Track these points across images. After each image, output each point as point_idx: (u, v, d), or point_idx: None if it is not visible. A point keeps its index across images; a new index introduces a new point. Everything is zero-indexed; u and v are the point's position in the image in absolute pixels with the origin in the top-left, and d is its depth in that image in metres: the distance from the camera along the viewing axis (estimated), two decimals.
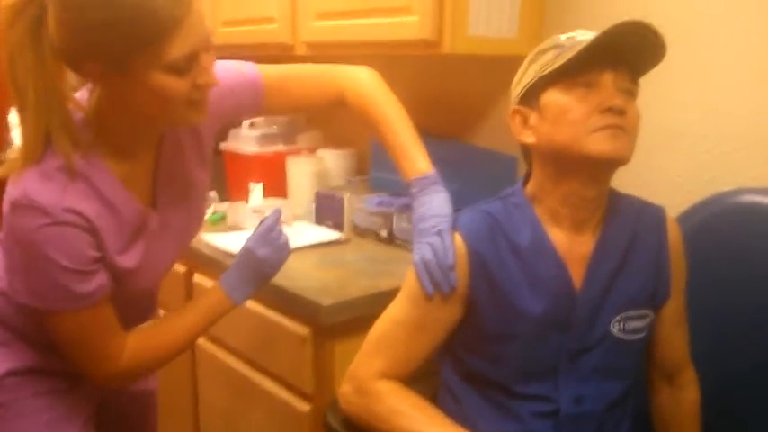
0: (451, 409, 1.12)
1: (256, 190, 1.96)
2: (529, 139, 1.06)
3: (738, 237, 1.32)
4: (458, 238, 1.07)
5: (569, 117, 0.99)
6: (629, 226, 1.10)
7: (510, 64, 1.82)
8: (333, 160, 2.15)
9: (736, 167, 1.41)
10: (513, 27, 1.62)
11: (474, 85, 1.89)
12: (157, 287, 1.30)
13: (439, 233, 1.07)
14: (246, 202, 1.96)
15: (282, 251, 1.26)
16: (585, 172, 1.02)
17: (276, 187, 2.10)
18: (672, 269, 1.13)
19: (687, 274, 1.17)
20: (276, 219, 1.26)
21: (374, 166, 1.99)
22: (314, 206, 1.97)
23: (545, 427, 1.07)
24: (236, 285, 1.23)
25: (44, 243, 0.97)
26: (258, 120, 2.20)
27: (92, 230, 1.01)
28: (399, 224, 1.74)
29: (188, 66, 0.96)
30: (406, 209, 1.77)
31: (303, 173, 2.10)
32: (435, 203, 1.12)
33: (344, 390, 1.13)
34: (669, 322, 1.16)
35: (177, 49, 0.93)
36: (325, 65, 1.31)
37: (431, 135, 1.88)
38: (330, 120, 2.29)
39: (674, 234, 1.14)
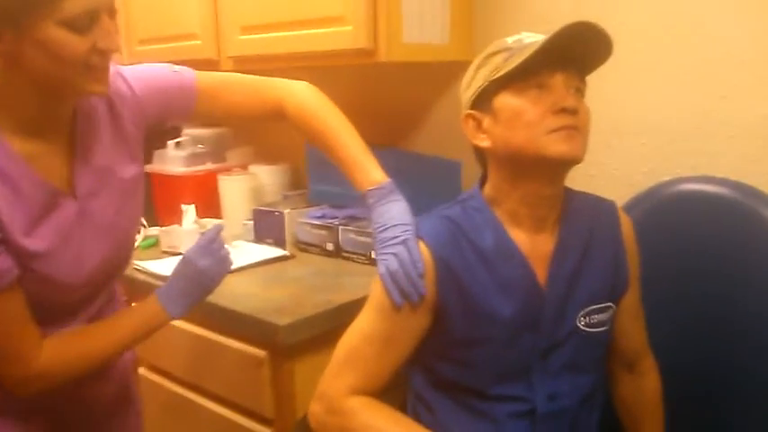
0: (425, 419, 1.11)
1: (189, 211, 1.90)
2: (484, 143, 1.06)
3: (680, 225, 1.37)
4: (422, 246, 1.06)
5: (524, 119, 1.00)
6: (585, 222, 1.12)
7: (443, 70, 1.87)
8: (266, 176, 2.11)
9: (672, 158, 1.47)
10: (445, 34, 1.63)
11: (409, 93, 1.89)
12: (94, 295, 1.19)
13: (404, 242, 1.06)
14: (180, 224, 1.89)
15: (224, 263, 1.21)
16: (542, 172, 1.03)
17: (209, 207, 2.04)
18: (628, 261, 1.16)
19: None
20: (217, 232, 1.22)
21: (312, 179, 1.96)
22: (251, 224, 1.93)
23: (521, 427, 1.07)
24: (174, 298, 1.17)
25: None
26: (184, 139, 2.13)
27: None
28: (346, 236, 1.71)
29: (88, 24, 0.92)
30: (352, 220, 1.76)
31: (237, 191, 2.05)
32: (395, 212, 1.11)
33: (315, 410, 1.10)
34: (627, 312, 1.19)
35: (77, 3, 0.90)
36: (263, 78, 1.27)
37: (370, 145, 1.88)
38: (260, 134, 2.24)
39: (626, 227, 1.17)
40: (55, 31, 0.90)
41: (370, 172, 1.16)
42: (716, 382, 1.30)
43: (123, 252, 1.17)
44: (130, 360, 1.33)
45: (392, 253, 1.06)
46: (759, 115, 1.36)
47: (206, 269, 1.18)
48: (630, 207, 1.38)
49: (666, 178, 1.43)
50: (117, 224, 1.14)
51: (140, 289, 1.65)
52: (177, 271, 1.19)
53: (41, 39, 0.90)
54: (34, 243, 1.01)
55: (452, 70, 1.75)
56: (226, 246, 1.23)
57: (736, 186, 1.33)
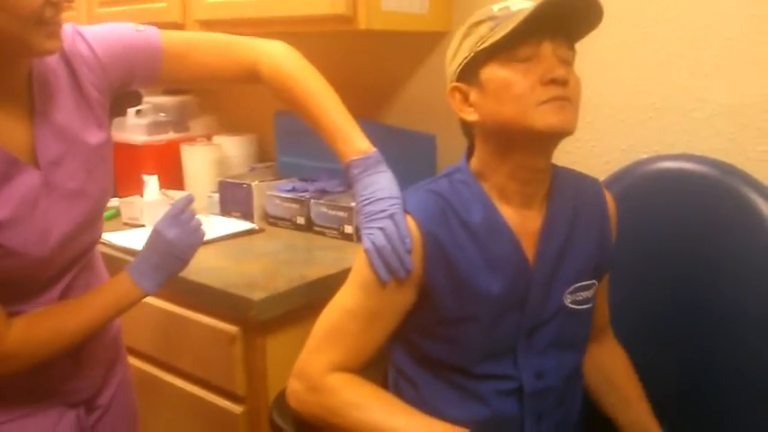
0: (409, 396, 1.08)
1: (151, 182, 1.82)
2: (471, 116, 1.02)
3: (658, 203, 1.36)
4: (409, 221, 1.02)
5: (513, 92, 0.96)
6: (570, 198, 1.10)
7: (420, 41, 1.82)
8: (232, 147, 2.04)
9: (652, 135, 1.46)
10: (424, 3, 1.58)
11: (385, 64, 1.84)
12: (66, 269, 1.12)
13: (391, 216, 1.02)
14: (141, 196, 1.82)
15: (195, 233, 1.15)
16: (532, 146, 1.00)
17: (171, 178, 1.97)
18: (612, 238, 1.15)
19: None
20: (187, 202, 1.15)
21: (280, 150, 1.90)
22: (217, 197, 1.87)
23: (509, 405, 1.06)
24: (146, 273, 1.11)
25: None
26: (145, 107, 2.04)
27: None
28: (318, 209, 1.67)
29: None
30: (323, 194, 1.71)
31: (200, 161, 1.99)
32: (383, 184, 1.06)
33: (295, 387, 1.06)
34: (601, 288, 1.18)
35: None
36: (236, 36, 1.20)
37: None
38: (225, 103, 2.17)
39: (610, 203, 1.16)
40: None
41: (354, 141, 1.11)
42: (694, 366, 1.30)
43: (93, 222, 1.10)
44: (118, 328, 1.28)
45: (379, 227, 1.02)
46: (741, 93, 1.35)
47: (176, 241, 1.12)
48: (608, 184, 1.37)
49: (645, 156, 1.42)
50: (85, 193, 1.07)
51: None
52: (147, 245, 1.13)
53: None
54: (17, 238, 0.94)
55: (430, 41, 1.71)
56: (198, 216, 1.17)
57: (716, 165, 1.33)
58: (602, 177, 1.39)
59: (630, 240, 1.21)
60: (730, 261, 1.28)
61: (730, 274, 1.28)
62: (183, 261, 1.15)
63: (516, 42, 0.96)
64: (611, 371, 1.24)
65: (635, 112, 1.48)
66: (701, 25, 1.37)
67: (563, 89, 0.97)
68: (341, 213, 1.63)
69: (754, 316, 1.24)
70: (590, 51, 1.03)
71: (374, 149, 1.10)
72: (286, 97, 1.17)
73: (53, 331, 1.04)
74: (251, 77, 1.18)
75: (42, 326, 1.03)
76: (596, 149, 1.53)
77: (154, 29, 1.13)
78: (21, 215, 0.97)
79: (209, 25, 1.74)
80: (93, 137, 1.06)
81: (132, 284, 1.10)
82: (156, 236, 1.12)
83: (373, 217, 1.03)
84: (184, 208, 1.14)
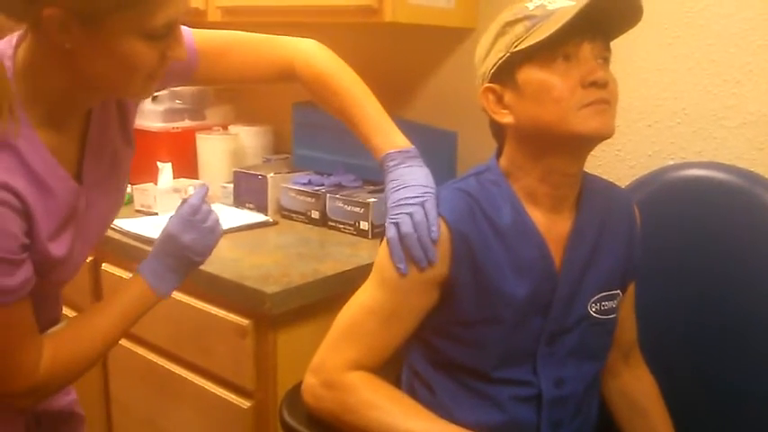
0: (425, 399, 1.06)
1: (165, 170, 1.80)
2: (506, 118, 0.99)
3: (684, 211, 1.33)
4: (439, 220, 0.99)
5: (553, 95, 0.93)
6: (600, 206, 1.07)
7: (445, 37, 1.79)
8: (248, 137, 2.01)
9: (678, 142, 1.43)
10: None
11: (408, 59, 1.81)
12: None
13: (422, 204, 0.98)
14: (155, 183, 1.80)
15: (211, 235, 1.09)
16: (570, 149, 0.97)
17: (186, 167, 1.94)
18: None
19: None
20: (201, 197, 1.09)
21: (297, 143, 1.87)
22: (231, 187, 1.84)
23: (527, 412, 1.03)
24: (163, 276, 1.06)
25: None
26: (162, 93, 2.02)
27: (24, 212, 0.84)
28: (333, 204, 1.64)
29: (165, 34, 0.83)
30: (339, 188, 1.69)
31: (216, 151, 1.96)
32: (419, 175, 1.02)
33: (310, 382, 1.04)
34: (628, 301, 1.16)
35: (163, 14, 0.81)
36: (267, 35, 1.16)
37: None
38: (242, 93, 2.14)
39: (638, 216, 1.13)
40: (131, 40, 0.81)
41: (391, 135, 1.07)
42: (719, 373, 1.27)
43: (103, 236, 1.09)
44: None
45: (407, 213, 0.98)
46: None
47: (193, 244, 1.07)
48: (633, 190, 1.34)
49: (671, 162, 1.39)
50: (111, 212, 1.06)
51: (112, 248, 1.56)
52: (160, 247, 1.07)
53: (115, 44, 0.81)
54: (57, 248, 0.91)
55: (455, 38, 1.68)
56: (212, 209, 1.11)
57: (744, 174, 1.29)
58: (626, 182, 1.37)
59: (652, 248, 1.18)
60: (756, 273, 1.25)
61: (755, 287, 1.25)
62: (199, 263, 1.10)
63: (554, 43, 0.93)
64: (640, 399, 1.20)
65: (663, 118, 1.45)
66: (733, 31, 1.34)
67: (603, 91, 0.94)
68: (357, 209, 1.61)
69: None
70: (619, 54, 1.00)
71: (413, 147, 1.07)
72: (320, 93, 1.13)
73: (78, 351, 0.99)
74: (286, 77, 1.15)
75: (68, 348, 0.98)
76: (621, 153, 1.50)
77: (187, 29, 1.10)
78: (72, 244, 0.94)
79: (231, 12, 1.71)
80: (125, 154, 1.05)
81: (149, 289, 1.05)
82: (169, 239, 1.07)
83: (402, 202, 0.99)
84: (198, 207, 1.08)
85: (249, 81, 1.18)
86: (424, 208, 0.98)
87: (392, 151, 1.05)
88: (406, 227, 0.97)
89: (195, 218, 1.07)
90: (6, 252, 0.83)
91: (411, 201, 0.99)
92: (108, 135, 1.00)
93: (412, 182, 1.01)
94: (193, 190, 1.14)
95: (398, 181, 1.02)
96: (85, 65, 0.84)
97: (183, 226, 1.07)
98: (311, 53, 1.14)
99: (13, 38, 0.87)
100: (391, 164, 1.04)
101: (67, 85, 0.87)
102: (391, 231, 0.98)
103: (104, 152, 0.99)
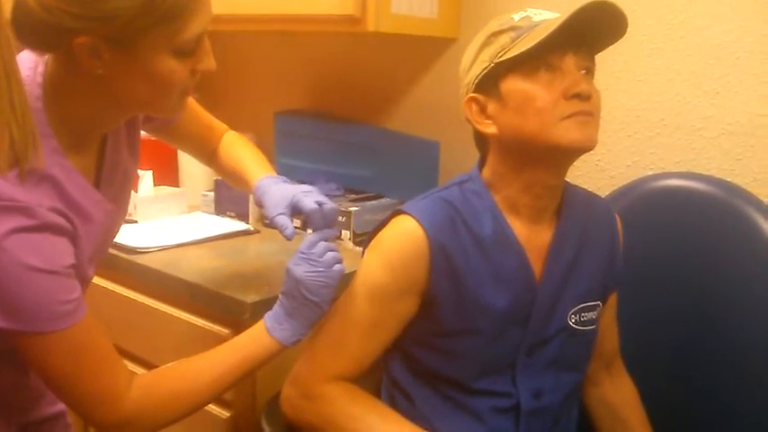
0: (403, 408, 1.06)
1: (146, 178, 1.79)
2: (489, 129, 0.99)
3: (662, 222, 1.34)
4: (418, 229, 0.99)
5: (536, 106, 0.94)
6: (581, 216, 1.08)
7: (427, 47, 1.79)
8: None
9: (657, 152, 1.44)
10: (433, 7, 1.56)
11: (390, 69, 1.81)
12: None
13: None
14: (135, 191, 1.78)
15: (328, 271, 0.98)
16: (552, 161, 0.98)
17: (166, 175, 1.93)
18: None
19: None
20: (321, 235, 1.02)
21: (279, 152, 1.87)
22: (212, 195, 1.83)
23: (504, 422, 1.03)
24: (281, 320, 0.99)
25: (18, 249, 0.78)
26: None
27: (73, 236, 0.85)
28: None
29: (194, 48, 0.83)
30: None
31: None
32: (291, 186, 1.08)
33: (289, 393, 1.04)
34: (610, 311, 1.16)
35: (192, 28, 0.80)
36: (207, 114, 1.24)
37: (346, 120, 1.81)
38: (223, 102, 2.13)
39: (619, 226, 1.14)
40: (163, 58, 0.81)
41: (264, 169, 1.14)
42: (696, 382, 1.28)
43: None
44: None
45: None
46: (751, 113, 1.33)
47: (305, 279, 0.98)
48: (612, 200, 1.35)
49: (650, 172, 1.40)
50: (118, 226, 1.06)
51: None
52: (283, 289, 1.01)
53: (148, 66, 0.81)
54: (92, 269, 0.91)
55: (437, 47, 1.68)
56: (335, 249, 1.02)
57: (722, 184, 1.31)
58: (605, 192, 1.38)
59: (632, 257, 1.19)
60: (733, 282, 1.26)
61: (732, 296, 1.26)
62: (317, 304, 0.98)
63: (539, 54, 0.93)
64: (621, 407, 1.21)
65: (642, 128, 1.46)
66: (713, 44, 1.36)
67: (586, 103, 0.94)
68: (339, 218, 1.60)
69: (757, 337, 1.22)
70: (599, 64, 1.01)
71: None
72: (225, 171, 1.24)
73: (176, 392, 0.95)
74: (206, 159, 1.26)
75: (166, 385, 0.95)
76: (601, 164, 1.51)
77: None
78: (90, 241, 0.93)
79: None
80: (133, 170, 1.05)
81: (266, 335, 0.99)
82: (287, 276, 1.00)
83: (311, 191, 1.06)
84: (315, 243, 1.00)
85: (184, 146, 1.29)
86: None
87: (263, 178, 1.11)
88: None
89: (312, 251, 1.00)
90: (63, 268, 0.83)
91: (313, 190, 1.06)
92: (120, 152, 1.00)
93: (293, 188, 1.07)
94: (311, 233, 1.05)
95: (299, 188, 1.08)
96: (119, 88, 0.83)
97: (297, 258, 1.00)
98: (229, 138, 1.24)
99: (39, 63, 0.86)
100: (266, 184, 1.09)
101: (96, 110, 0.87)
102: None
103: (117, 170, 0.99)
